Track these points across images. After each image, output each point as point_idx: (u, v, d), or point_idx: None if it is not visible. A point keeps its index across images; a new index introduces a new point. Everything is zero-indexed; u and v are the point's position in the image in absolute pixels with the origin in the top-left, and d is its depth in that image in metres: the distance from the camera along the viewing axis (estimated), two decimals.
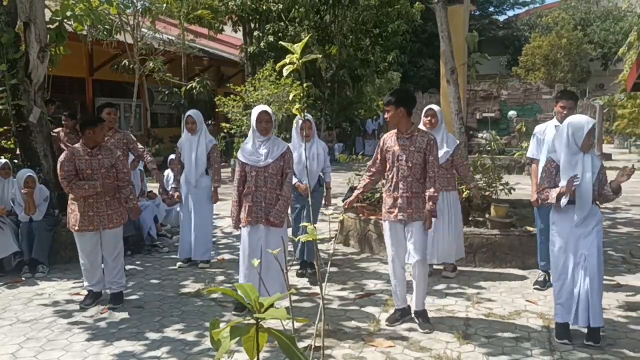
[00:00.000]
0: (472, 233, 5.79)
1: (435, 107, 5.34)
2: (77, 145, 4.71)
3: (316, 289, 5.08)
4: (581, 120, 3.82)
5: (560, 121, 4.93)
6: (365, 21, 17.29)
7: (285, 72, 2.28)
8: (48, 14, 6.74)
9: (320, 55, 15.02)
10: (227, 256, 6.36)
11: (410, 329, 4.15)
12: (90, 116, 5.08)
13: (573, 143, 3.75)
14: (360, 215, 6.66)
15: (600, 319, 3.78)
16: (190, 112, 5.94)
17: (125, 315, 4.55)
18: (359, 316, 4.45)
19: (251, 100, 11.46)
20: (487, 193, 6.66)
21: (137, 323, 4.37)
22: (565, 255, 3.85)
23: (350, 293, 5.03)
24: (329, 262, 2.49)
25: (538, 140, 5.12)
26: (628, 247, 6.47)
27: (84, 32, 8.43)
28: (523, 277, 5.40)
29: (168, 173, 7.40)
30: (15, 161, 6.59)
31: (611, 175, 3.85)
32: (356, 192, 4.51)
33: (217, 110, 12.83)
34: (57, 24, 6.71)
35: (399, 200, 4.13)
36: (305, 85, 3.84)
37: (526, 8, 32.60)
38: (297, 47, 2.22)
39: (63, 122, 7.47)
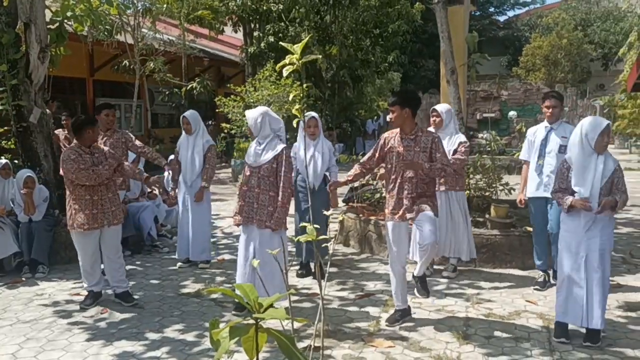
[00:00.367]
0: (472, 233, 5.78)
1: (439, 107, 5.34)
2: (73, 146, 4.72)
3: (316, 289, 5.08)
4: (595, 120, 3.84)
5: (548, 121, 4.98)
6: (366, 22, 17.28)
7: (285, 73, 2.28)
8: (48, 15, 6.74)
9: (321, 56, 15.02)
10: (227, 256, 6.37)
11: (410, 329, 4.16)
12: (88, 116, 5.06)
13: (587, 144, 3.75)
14: (361, 215, 6.67)
15: (599, 321, 3.77)
16: (185, 113, 5.94)
17: (125, 315, 4.55)
18: (359, 316, 4.45)
19: (251, 100, 11.46)
20: (487, 193, 6.67)
21: (137, 323, 4.38)
22: (569, 254, 3.87)
23: (350, 293, 5.04)
24: (329, 263, 2.49)
25: (529, 142, 5.15)
26: (628, 248, 6.47)
27: (85, 33, 8.44)
28: (523, 278, 5.40)
29: (168, 174, 7.40)
30: (16, 161, 6.60)
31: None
32: (345, 179, 4.53)
33: (217, 110, 12.84)
34: (57, 24, 6.71)
35: (404, 201, 4.12)
36: (305, 85, 3.85)
37: (526, 8, 32.62)
38: (297, 48, 2.22)
39: (63, 123, 7.48)
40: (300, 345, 3.66)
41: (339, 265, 5.92)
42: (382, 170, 4.47)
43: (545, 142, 4.97)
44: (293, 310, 1.96)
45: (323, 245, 5.48)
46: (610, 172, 3.75)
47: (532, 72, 24.80)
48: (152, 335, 4.13)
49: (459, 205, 5.33)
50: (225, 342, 1.49)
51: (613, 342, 3.89)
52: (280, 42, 2.76)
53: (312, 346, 2.59)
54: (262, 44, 16.21)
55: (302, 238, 2.17)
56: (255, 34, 16.73)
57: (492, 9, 31.16)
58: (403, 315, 4.28)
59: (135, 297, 4.89)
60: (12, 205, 5.85)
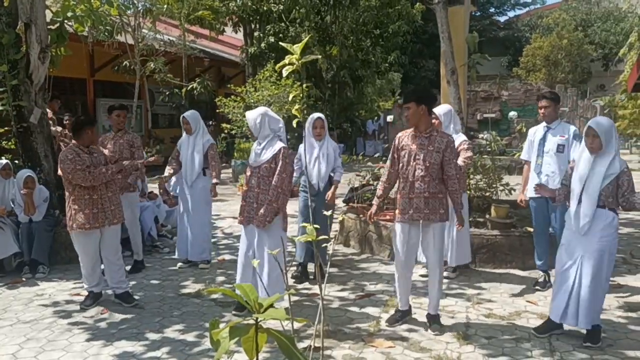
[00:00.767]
0: (473, 234, 5.78)
1: (438, 109, 5.33)
2: (71, 146, 4.72)
3: (316, 290, 5.07)
4: (590, 121, 3.87)
5: (544, 121, 5.02)
6: (366, 22, 17.28)
7: (285, 73, 2.28)
8: (49, 15, 6.75)
9: (321, 56, 15.05)
10: (227, 257, 6.37)
11: (411, 330, 4.16)
12: (88, 116, 5.07)
13: (583, 144, 3.87)
14: (361, 216, 6.67)
15: (590, 321, 3.78)
16: (185, 113, 5.94)
17: (125, 315, 4.55)
18: (359, 317, 4.45)
19: (252, 101, 11.46)
20: (487, 194, 6.67)
21: (137, 323, 4.38)
22: (567, 253, 3.89)
23: (350, 294, 5.03)
24: (329, 263, 2.49)
25: (530, 142, 5.19)
26: (628, 248, 6.47)
27: (85, 33, 8.42)
28: (523, 278, 5.40)
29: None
30: (16, 162, 6.60)
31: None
32: (377, 201, 4.40)
33: (217, 110, 12.84)
34: (58, 24, 6.71)
35: (415, 201, 4.03)
36: (305, 86, 3.85)
37: (527, 9, 32.59)
38: (297, 48, 2.22)
39: (65, 123, 7.48)
40: (301, 345, 3.66)
41: (339, 266, 5.92)
42: (384, 171, 4.43)
43: (543, 141, 4.99)
44: (293, 311, 1.96)
45: (323, 246, 5.45)
46: (614, 175, 3.71)
47: (532, 72, 24.77)
48: (153, 336, 4.13)
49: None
50: (225, 342, 1.49)
51: (613, 343, 3.89)
52: (281, 43, 2.76)
53: (312, 346, 2.58)
54: (263, 45, 16.21)
55: (302, 238, 2.16)
56: (256, 34, 16.73)
57: (492, 10, 31.13)
58: (403, 316, 4.28)
59: (136, 297, 4.89)
60: (12, 206, 5.85)
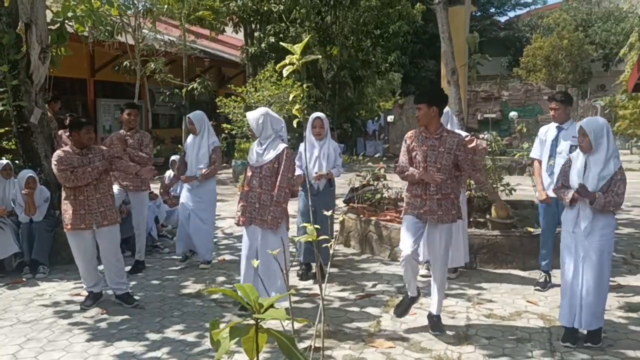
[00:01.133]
0: (473, 234, 5.78)
1: None
2: (66, 147, 4.73)
3: (316, 290, 5.07)
4: (584, 119, 3.89)
5: (556, 122, 5.03)
6: (366, 22, 17.28)
7: (285, 73, 2.28)
8: (49, 15, 6.75)
9: (321, 56, 15.03)
10: (227, 257, 6.37)
11: (411, 330, 4.15)
12: (82, 117, 5.07)
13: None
14: (361, 216, 6.66)
15: (593, 321, 3.77)
16: (190, 114, 5.96)
17: (125, 316, 4.55)
18: (360, 317, 4.44)
19: (252, 101, 11.46)
20: (487, 194, 6.66)
21: (138, 324, 4.37)
22: (569, 255, 3.88)
23: (350, 294, 5.03)
24: (329, 263, 2.49)
25: (541, 141, 5.19)
26: (629, 248, 6.46)
27: (85, 33, 8.42)
28: (524, 278, 5.40)
29: (169, 174, 7.40)
30: (17, 162, 6.60)
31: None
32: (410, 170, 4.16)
33: (218, 111, 12.83)
34: (58, 25, 6.71)
35: (428, 202, 3.99)
36: (306, 86, 3.85)
37: (527, 9, 32.58)
38: (298, 48, 2.22)
39: (66, 124, 7.47)
40: (301, 345, 3.66)
41: (339, 266, 5.92)
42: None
43: (556, 142, 4.98)
44: (293, 311, 1.96)
45: (324, 246, 5.43)
46: (610, 175, 3.73)
47: (532, 72, 24.75)
48: (153, 336, 4.13)
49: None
50: (226, 342, 1.49)
51: (614, 343, 3.89)
52: (281, 43, 2.76)
53: (313, 346, 2.58)
54: (263, 45, 16.21)
55: (302, 238, 2.16)
56: (256, 34, 16.73)
57: (492, 10, 31.12)
58: (412, 302, 4.21)
59: (136, 297, 4.89)
60: (12, 206, 5.86)
